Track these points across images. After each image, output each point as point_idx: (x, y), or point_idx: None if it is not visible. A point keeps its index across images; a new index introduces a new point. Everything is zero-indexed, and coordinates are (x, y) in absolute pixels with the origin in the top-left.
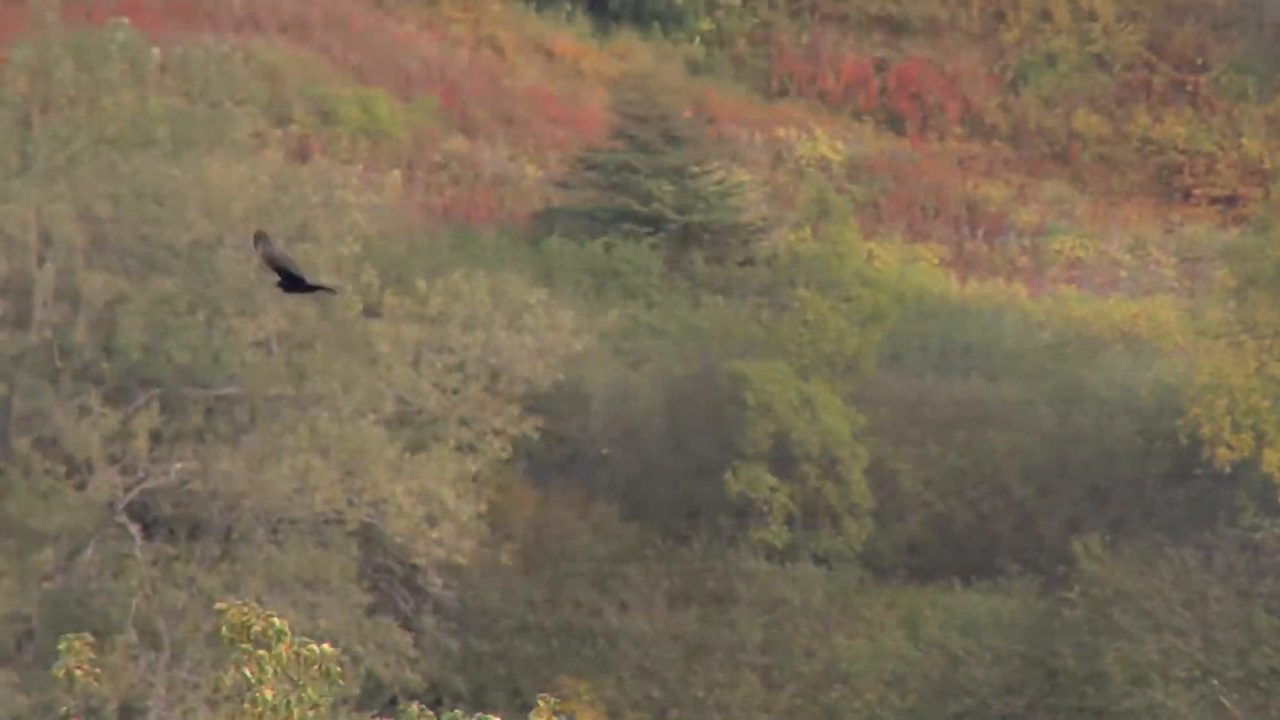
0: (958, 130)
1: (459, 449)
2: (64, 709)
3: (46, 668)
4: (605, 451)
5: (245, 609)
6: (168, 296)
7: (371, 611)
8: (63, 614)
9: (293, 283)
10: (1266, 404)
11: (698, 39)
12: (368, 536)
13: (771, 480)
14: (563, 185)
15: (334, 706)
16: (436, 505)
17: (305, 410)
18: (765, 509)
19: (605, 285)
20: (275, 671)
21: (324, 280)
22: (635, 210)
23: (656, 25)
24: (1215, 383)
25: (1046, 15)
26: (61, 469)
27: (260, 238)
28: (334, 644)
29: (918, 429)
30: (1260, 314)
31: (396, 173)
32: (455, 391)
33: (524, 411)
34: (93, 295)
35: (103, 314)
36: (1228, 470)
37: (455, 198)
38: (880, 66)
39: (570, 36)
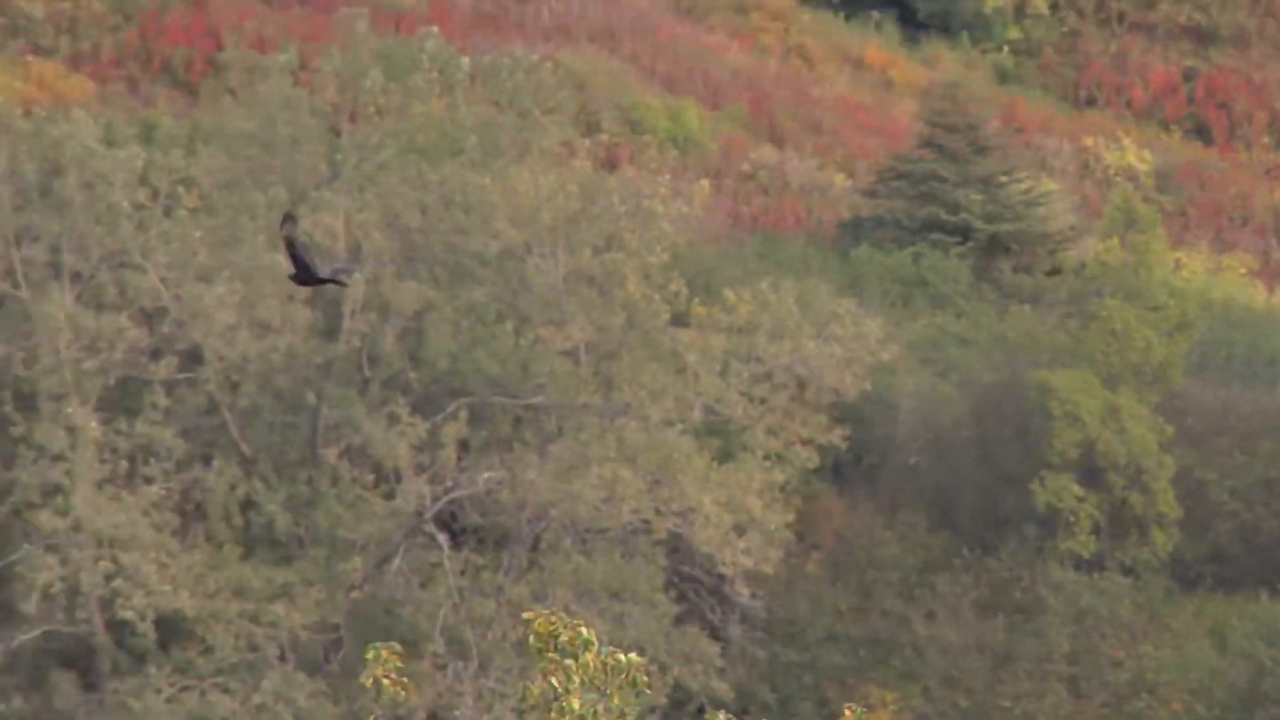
0: (1265, 139)
1: (766, 458)
2: (372, 717)
3: (354, 677)
4: (912, 461)
5: (553, 618)
6: (476, 306)
7: (679, 621)
8: (371, 623)
9: (306, 275)
10: None
11: (1006, 48)
12: (675, 546)
13: (1078, 490)
14: (870, 194)
15: (641, 716)
16: (744, 515)
17: (613, 420)
18: (1072, 519)
19: (913, 294)
20: (582, 681)
21: (340, 273)
22: (943, 219)
23: (964, 34)
24: None
25: None
26: (369, 478)
27: (288, 219)
28: (641, 653)
29: (1224, 438)
30: None
31: (705, 182)
32: (763, 401)
33: (831, 421)
34: (401, 304)
35: (411, 323)
36: None
37: (763, 206)
38: (1188, 76)
39: (878, 45)
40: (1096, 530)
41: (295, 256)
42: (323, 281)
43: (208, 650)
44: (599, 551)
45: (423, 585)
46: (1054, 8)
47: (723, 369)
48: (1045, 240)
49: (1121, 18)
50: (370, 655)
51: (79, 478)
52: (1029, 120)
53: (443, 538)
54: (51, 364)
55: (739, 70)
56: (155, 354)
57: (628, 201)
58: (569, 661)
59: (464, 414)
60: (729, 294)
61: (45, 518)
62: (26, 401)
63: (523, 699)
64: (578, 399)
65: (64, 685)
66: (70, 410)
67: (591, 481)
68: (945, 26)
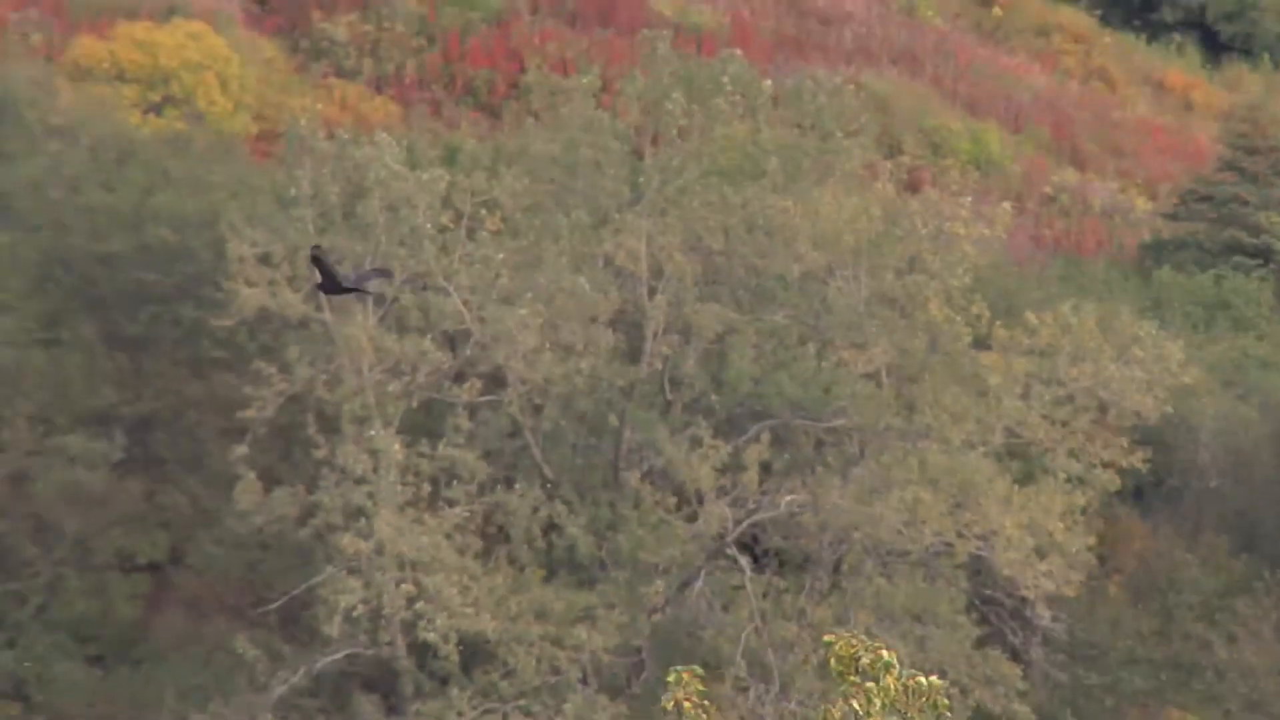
0: None
1: (1067, 481)
2: None
3: (656, 700)
4: (1213, 484)
5: (854, 641)
6: (778, 328)
7: (980, 643)
8: (672, 646)
9: (331, 285)
10: None
11: None
12: (976, 568)
13: None
14: (1172, 217)
15: None
16: (1045, 537)
17: (914, 442)
18: None
19: (1214, 317)
20: (883, 704)
21: (364, 280)
22: (1245, 242)
23: (1266, 56)
24: None
25: None
26: (672, 501)
27: (315, 250)
28: (942, 676)
29: None
30: None
31: (1007, 204)
32: (1064, 424)
33: (1132, 443)
34: (703, 327)
35: (713, 346)
36: None
37: (1065, 229)
38: None
39: (1180, 68)
40: None
41: (322, 270)
42: (346, 290)
43: (510, 673)
44: (900, 574)
45: (725, 608)
46: None
47: (1024, 391)
48: None
49: None
50: (672, 678)
51: (382, 500)
52: None
53: (744, 560)
54: (355, 387)
55: (1040, 93)
56: (458, 377)
57: (930, 224)
58: (870, 684)
59: (766, 436)
60: (1031, 316)
61: (348, 540)
62: (329, 424)
63: None
64: (880, 422)
65: (366, 708)
66: (373, 433)
67: (893, 504)
68: (1247, 49)
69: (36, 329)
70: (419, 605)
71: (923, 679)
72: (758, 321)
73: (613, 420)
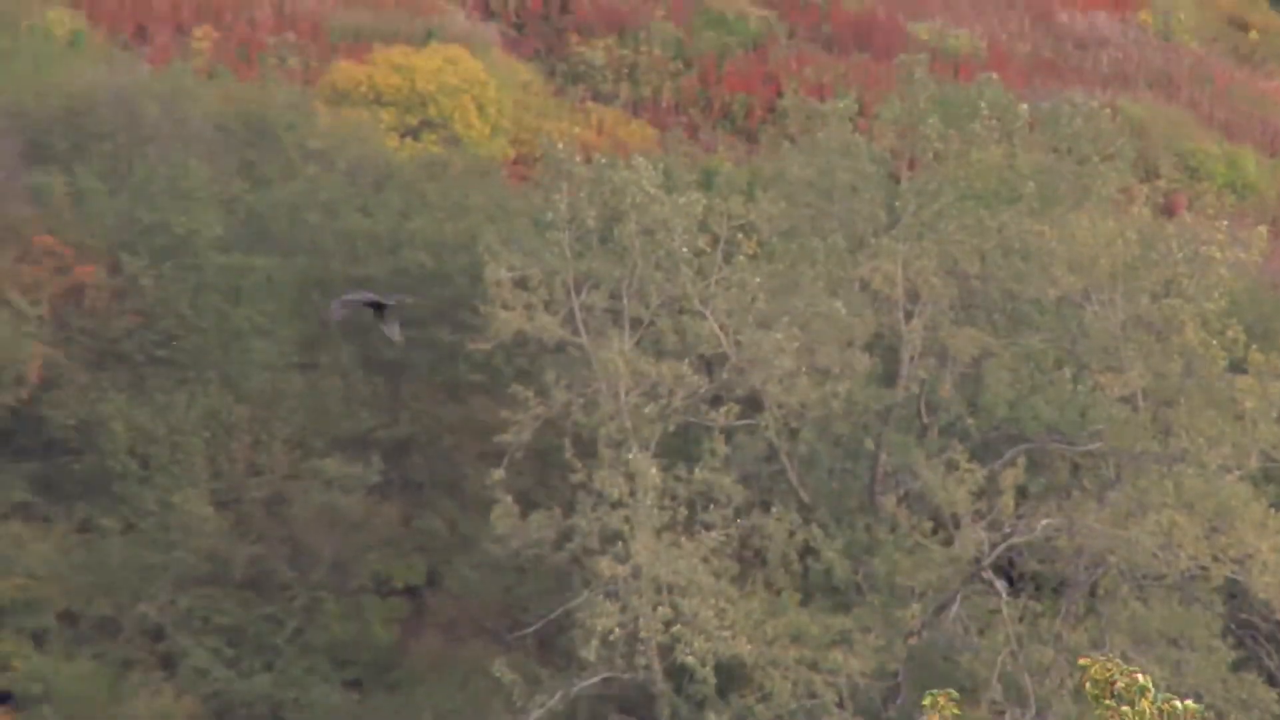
0: None
1: None
2: None
3: None
4: None
5: (1109, 665)
6: (1034, 352)
7: (1237, 667)
8: (928, 670)
9: (376, 307)
10: None
11: None
12: (1232, 592)
13: None
14: None
15: None
16: None
17: (1170, 466)
18: None
19: None
20: None
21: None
22: None
23: None
24: None
25: None
26: (928, 525)
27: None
28: (1198, 700)
29: None
30: None
31: (1263, 228)
32: None
33: None
34: (959, 351)
35: (969, 369)
36: None
37: None
38: None
39: None
40: None
41: (363, 304)
42: (377, 304)
43: (766, 697)
44: (1156, 598)
45: (980, 632)
46: None
47: None
48: None
49: None
50: (927, 702)
51: (639, 524)
52: None
53: (1001, 584)
54: (611, 410)
55: None
56: (714, 400)
57: (1185, 248)
58: (1125, 708)
59: (1022, 460)
60: None
61: (605, 564)
62: (586, 448)
63: None
64: (1135, 445)
65: None
66: (630, 457)
67: (1149, 528)
68: None
69: (294, 353)
70: (676, 629)
71: (1179, 703)
72: (1014, 345)
73: (869, 444)
